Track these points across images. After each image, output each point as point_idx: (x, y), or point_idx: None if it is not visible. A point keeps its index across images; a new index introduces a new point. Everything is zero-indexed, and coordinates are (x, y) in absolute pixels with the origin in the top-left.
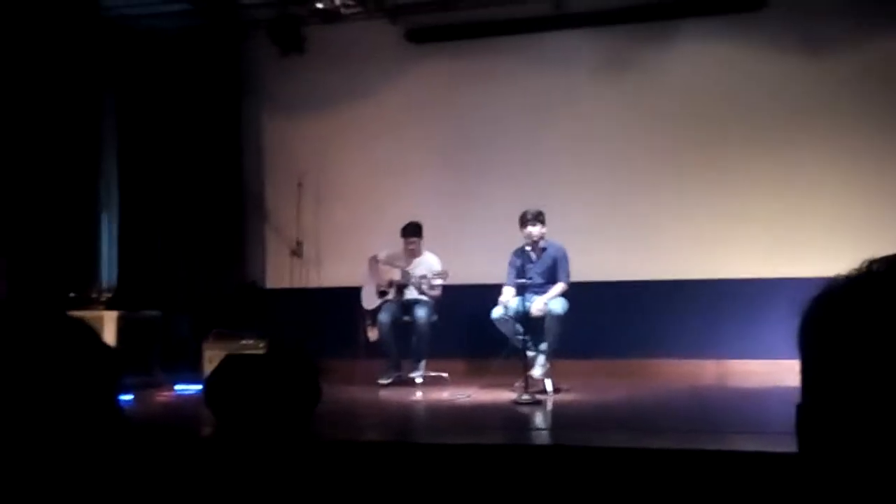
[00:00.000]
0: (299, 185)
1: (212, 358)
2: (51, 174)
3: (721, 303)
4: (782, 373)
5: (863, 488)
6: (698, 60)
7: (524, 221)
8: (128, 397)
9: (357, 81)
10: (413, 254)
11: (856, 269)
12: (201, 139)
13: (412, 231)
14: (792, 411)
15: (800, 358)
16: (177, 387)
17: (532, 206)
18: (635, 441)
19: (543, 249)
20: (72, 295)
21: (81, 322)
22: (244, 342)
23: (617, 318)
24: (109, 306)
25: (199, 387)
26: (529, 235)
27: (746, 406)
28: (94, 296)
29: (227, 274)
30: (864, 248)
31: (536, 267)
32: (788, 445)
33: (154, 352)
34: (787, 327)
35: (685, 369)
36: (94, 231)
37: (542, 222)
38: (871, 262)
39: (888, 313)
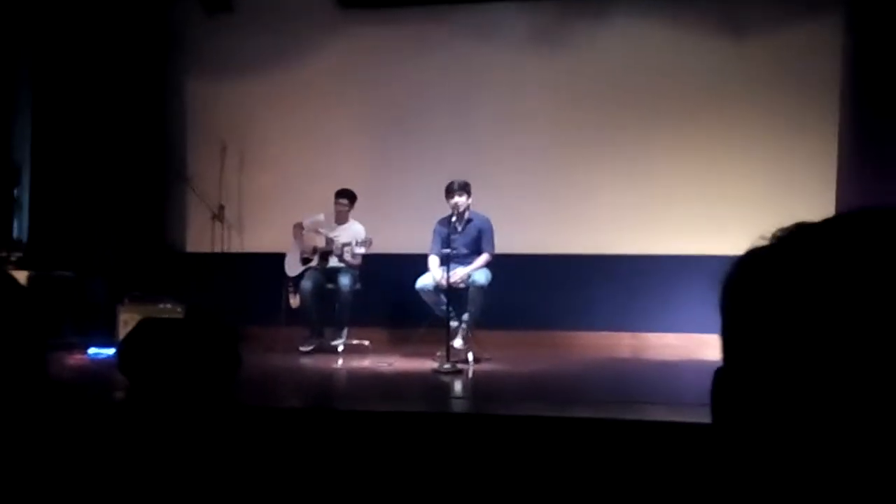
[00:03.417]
0: (223, 148)
1: (127, 321)
2: None
3: (639, 278)
4: (697, 346)
5: (773, 454)
6: (628, 39)
7: (450, 192)
8: None
9: (285, 45)
10: (340, 217)
11: (773, 236)
12: (123, 98)
13: (345, 194)
14: (706, 383)
15: (721, 321)
16: (90, 350)
17: (458, 177)
18: (553, 410)
19: (469, 220)
20: None
21: (9, 277)
22: (161, 306)
23: (538, 290)
24: (20, 265)
25: (113, 350)
26: (455, 206)
27: (662, 378)
28: (3, 254)
29: (146, 236)
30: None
31: (461, 238)
32: (702, 416)
33: (66, 314)
34: (702, 303)
35: (603, 341)
36: (5, 188)
37: (469, 193)
38: (781, 230)
39: (795, 280)
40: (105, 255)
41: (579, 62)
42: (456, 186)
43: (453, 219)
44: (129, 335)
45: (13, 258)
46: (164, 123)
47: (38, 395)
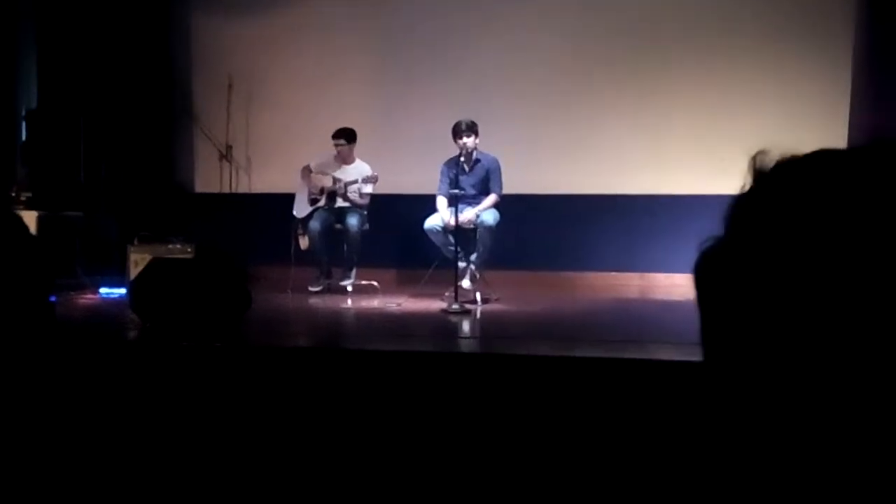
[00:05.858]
0: (229, 86)
1: (137, 261)
2: None
3: (647, 218)
4: None
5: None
6: None
7: (457, 132)
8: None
9: None
10: (343, 158)
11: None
12: (128, 36)
13: (341, 134)
14: None
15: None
16: (101, 290)
17: (465, 117)
18: (560, 350)
19: (477, 161)
20: None
21: (16, 218)
22: (171, 246)
23: (546, 230)
24: (29, 206)
25: (124, 290)
26: (463, 146)
27: (668, 318)
28: (12, 195)
29: (155, 176)
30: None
31: (469, 178)
32: None
33: (76, 254)
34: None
35: (611, 282)
36: (12, 129)
37: (476, 133)
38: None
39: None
40: (114, 195)
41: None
42: (463, 127)
43: (461, 159)
44: (141, 275)
45: (23, 198)
46: (169, 61)
47: (44, 337)
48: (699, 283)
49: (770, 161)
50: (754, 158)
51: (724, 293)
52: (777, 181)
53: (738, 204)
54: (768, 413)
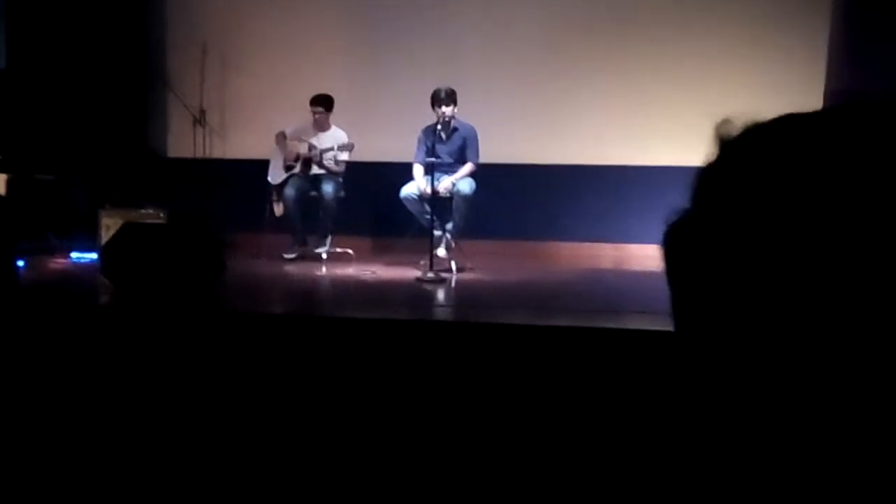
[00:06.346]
0: (203, 50)
1: (109, 226)
2: None
3: (622, 188)
4: None
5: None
6: None
7: (436, 100)
8: (20, 263)
9: None
10: (319, 125)
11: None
12: None
13: (318, 100)
14: None
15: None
16: (72, 254)
17: (443, 85)
18: (535, 319)
19: (454, 129)
20: None
21: None
22: (143, 211)
23: (521, 200)
24: None
25: (96, 255)
26: (442, 115)
27: (642, 288)
28: None
29: (127, 140)
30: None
31: (446, 147)
32: None
33: (47, 217)
34: None
35: (586, 252)
36: None
37: (455, 102)
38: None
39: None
40: (86, 159)
41: None
42: (443, 95)
43: (438, 127)
44: (113, 239)
45: None
46: (143, 24)
47: (8, 301)
48: (667, 256)
49: (734, 129)
50: (718, 127)
51: (692, 265)
52: (742, 149)
53: (703, 174)
54: (739, 385)
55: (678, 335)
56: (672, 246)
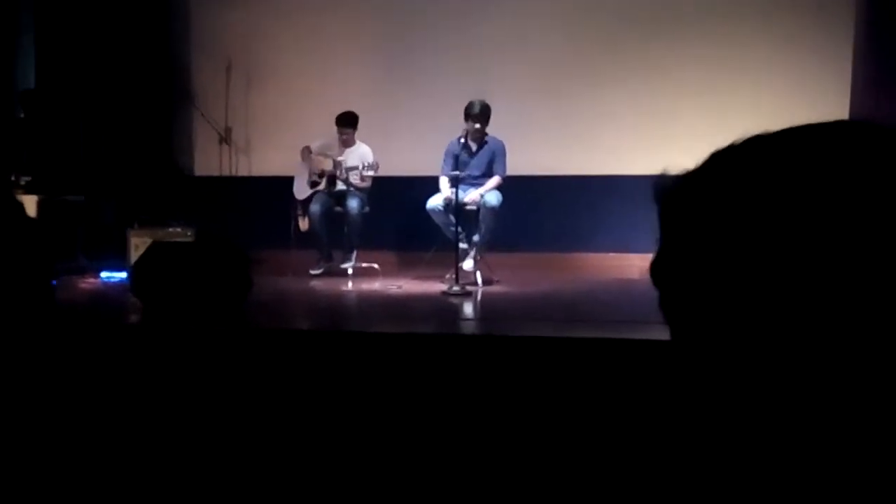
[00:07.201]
0: (228, 68)
1: (138, 245)
2: None
3: (648, 199)
4: None
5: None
6: None
7: (471, 116)
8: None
9: None
10: (346, 143)
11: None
12: (127, 17)
13: (346, 121)
14: None
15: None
16: (102, 274)
17: (476, 97)
18: (562, 331)
19: (484, 143)
20: None
21: (15, 200)
22: (171, 230)
23: (547, 211)
24: (29, 190)
25: (125, 274)
26: (474, 130)
27: None
28: (12, 179)
29: (154, 159)
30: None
31: (475, 160)
32: None
33: (77, 237)
34: None
35: (612, 263)
36: (11, 113)
37: (487, 119)
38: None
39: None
40: (114, 179)
41: None
42: (476, 111)
43: (468, 140)
44: (142, 258)
45: (22, 182)
46: (168, 41)
47: (45, 321)
48: (657, 285)
49: (670, 180)
50: (657, 181)
51: (677, 293)
52: (707, 175)
53: (670, 198)
54: (734, 391)
55: (675, 355)
56: (658, 275)
